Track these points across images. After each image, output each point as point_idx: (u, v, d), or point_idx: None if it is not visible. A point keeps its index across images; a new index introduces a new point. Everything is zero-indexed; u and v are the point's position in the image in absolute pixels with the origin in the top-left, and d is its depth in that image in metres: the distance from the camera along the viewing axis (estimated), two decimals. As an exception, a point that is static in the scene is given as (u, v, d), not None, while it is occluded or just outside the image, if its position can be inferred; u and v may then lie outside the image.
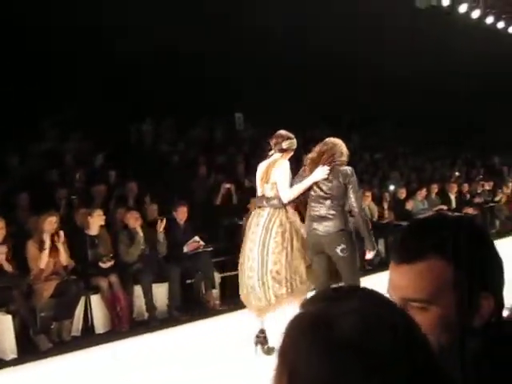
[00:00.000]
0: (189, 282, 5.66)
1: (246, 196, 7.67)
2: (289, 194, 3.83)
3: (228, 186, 7.92)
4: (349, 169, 3.80)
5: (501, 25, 8.65)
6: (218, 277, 5.84)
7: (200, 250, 5.68)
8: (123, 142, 9.29)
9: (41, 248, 4.71)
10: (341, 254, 3.63)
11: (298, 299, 3.55)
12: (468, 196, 10.30)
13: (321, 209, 3.73)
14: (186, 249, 5.63)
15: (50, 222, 4.79)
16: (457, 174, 12.06)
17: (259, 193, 4.05)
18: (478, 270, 0.94)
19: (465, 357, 0.97)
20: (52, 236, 4.77)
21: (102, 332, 4.96)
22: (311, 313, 0.62)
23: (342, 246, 3.63)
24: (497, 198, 10.72)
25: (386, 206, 8.65)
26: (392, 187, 10.04)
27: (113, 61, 9.18)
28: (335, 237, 3.65)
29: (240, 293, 4.11)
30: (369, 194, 8.52)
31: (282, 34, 9.58)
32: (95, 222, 5.15)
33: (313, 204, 3.78)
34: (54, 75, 8.54)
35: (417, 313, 0.96)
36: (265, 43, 9.77)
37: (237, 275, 6.56)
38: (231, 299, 5.64)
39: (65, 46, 8.43)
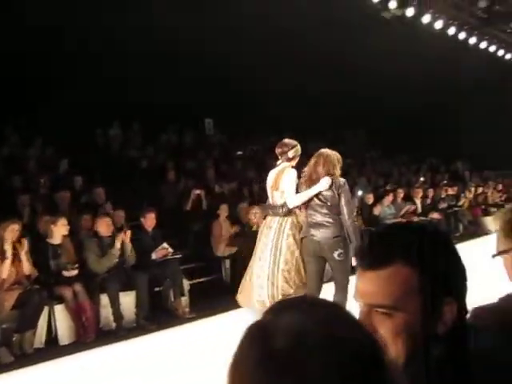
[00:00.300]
0: (157, 289, 5.56)
1: (216, 201, 7.66)
2: (294, 200, 4.10)
3: (198, 191, 7.88)
4: (342, 180, 4.08)
5: (462, 35, 8.97)
6: (186, 284, 5.77)
7: (169, 257, 5.60)
8: (90, 146, 9.11)
9: (2, 257, 4.54)
10: (338, 258, 3.93)
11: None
12: (433, 201, 10.57)
13: (318, 216, 4.01)
14: (154, 256, 5.54)
15: (12, 230, 4.63)
16: (422, 179, 12.37)
17: (269, 200, 4.35)
18: (442, 276, 0.96)
19: (429, 363, 0.98)
20: (14, 244, 4.60)
21: (66, 343, 4.81)
22: (258, 324, 0.65)
23: (340, 250, 3.93)
24: (460, 203, 11.06)
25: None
26: (360, 192, 10.20)
27: (78, 64, 8.99)
28: (333, 242, 3.94)
29: (238, 293, 4.37)
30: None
31: (260, 40, 9.62)
32: (58, 231, 4.99)
33: (310, 211, 4.05)
34: (17, 80, 8.30)
35: (382, 319, 0.97)
36: (238, 47, 9.79)
37: (206, 282, 6.63)
38: (200, 307, 5.60)
39: (22, 50, 8.19)
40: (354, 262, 3.93)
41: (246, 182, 9.57)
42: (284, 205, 4.16)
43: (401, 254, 0.95)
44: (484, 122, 13.54)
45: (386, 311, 0.95)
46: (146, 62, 9.66)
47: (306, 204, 4.07)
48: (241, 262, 6.72)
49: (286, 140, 4.42)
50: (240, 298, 4.35)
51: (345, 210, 3.99)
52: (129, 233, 5.39)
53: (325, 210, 3.99)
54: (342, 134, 14.28)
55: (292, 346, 0.59)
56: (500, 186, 12.76)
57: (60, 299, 4.85)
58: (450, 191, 11.23)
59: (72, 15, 8.44)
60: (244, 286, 4.35)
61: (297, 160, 4.36)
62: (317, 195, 4.02)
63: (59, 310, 4.84)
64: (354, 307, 0.97)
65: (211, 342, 4.18)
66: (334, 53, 10.10)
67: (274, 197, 4.25)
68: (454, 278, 0.99)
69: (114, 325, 5.07)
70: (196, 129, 11.58)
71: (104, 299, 5.08)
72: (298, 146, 4.37)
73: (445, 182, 12.36)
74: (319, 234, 3.97)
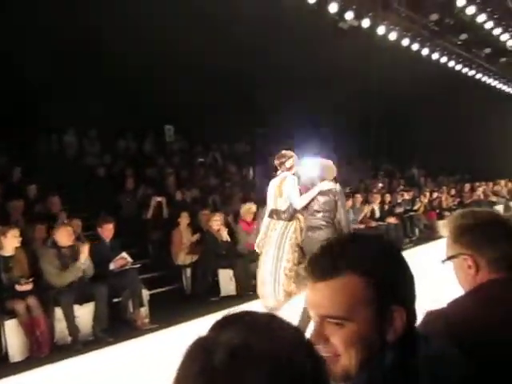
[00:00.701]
0: (115, 300, 5.41)
1: (177, 209, 7.56)
2: (300, 201, 4.54)
3: (159, 199, 7.76)
4: (338, 187, 4.52)
5: (415, 47, 9.32)
6: (146, 294, 5.64)
7: (127, 267, 5.47)
8: (44, 154, 8.80)
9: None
10: None
11: (300, 294, 4.27)
12: (390, 206, 10.87)
13: (316, 220, 4.43)
14: (112, 266, 5.39)
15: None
16: (380, 185, 12.69)
17: (272, 206, 4.75)
18: (391, 285, 0.98)
19: (380, 372, 0.99)
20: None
21: (18, 360, 4.59)
22: (200, 340, 0.66)
23: None
24: (415, 207, 11.42)
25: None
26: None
27: (33, 69, 8.68)
28: None
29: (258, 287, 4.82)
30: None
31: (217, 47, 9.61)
32: (9, 242, 4.77)
33: (309, 216, 4.49)
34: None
35: (334, 329, 0.97)
36: (199, 57, 9.74)
37: (166, 291, 6.54)
38: (161, 317, 5.49)
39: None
40: None
41: (207, 189, 9.52)
42: (286, 210, 4.61)
43: (349, 264, 0.96)
44: (437, 129, 14.10)
45: (337, 321, 0.96)
46: (101, 66, 9.45)
47: (306, 209, 4.49)
48: (202, 270, 6.69)
49: (284, 151, 4.86)
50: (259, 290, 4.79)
51: (342, 216, 4.44)
52: (87, 247, 5.20)
53: (321, 214, 4.41)
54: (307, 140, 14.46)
55: (230, 361, 0.60)
56: (453, 191, 13.29)
57: (12, 313, 4.63)
58: (406, 196, 11.59)
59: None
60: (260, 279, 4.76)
61: (295, 168, 4.77)
62: (315, 201, 4.43)
63: (10, 326, 4.62)
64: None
65: (172, 354, 4.10)
66: (284, 62, 10.24)
67: (278, 203, 4.69)
68: (403, 286, 1.01)
69: (69, 339, 4.88)
70: (156, 136, 11.43)
71: (59, 312, 4.89)
72: (294, 156, 4.79)
73: (401, 187, 12.75)
74: (316, 236, 4.33)
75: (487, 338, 1.25)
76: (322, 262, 1.00)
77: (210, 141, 11.92)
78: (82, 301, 5.03)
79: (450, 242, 1.47)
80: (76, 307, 4.95)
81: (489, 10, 8.10)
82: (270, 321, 0.70)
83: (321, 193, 4.45)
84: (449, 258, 1.46)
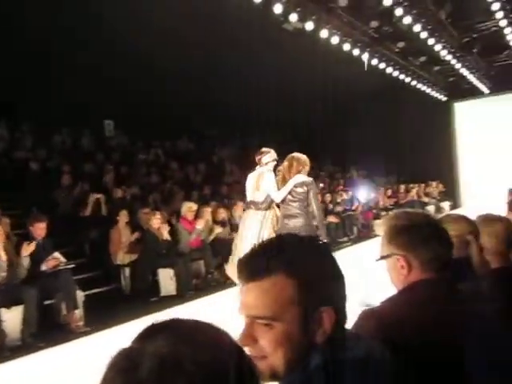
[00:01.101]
0: (48, 303, 5.16)
1: (116, 207, 7.33)
2: (279, 194, 4.95)
3: (97, 196, 7.49)
4: (310, 178, 4.98)
5: (356, 52, 9.62)
6: (81, 295, 5.42)
7: (60, 268, 5.22)
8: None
9: None
10: None
11: None
12: (330, 205, 11.18)
13: (291, 209, 4.89)
14: (44, 267, 5.13)
15: None
16: (321, 185, 13.02)
17: (250, 198, 5.19)
18: (319, 286, 0.99)
19: (308, 373, 1.01)
20: None
21: None
22: (123, 352, 0.63)
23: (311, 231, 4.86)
24: (354, 207, 11.83)
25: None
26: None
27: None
28: (303, 230, 4.64)
29: (232, 277, 5.03)
30: (241, 204, 8.74)
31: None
32: None
33: (285, 205, 4.94)
34: None
35: (263, 330, 0.98)
36: (145, 54, 9.49)
37: (103, 292, 6.32)
38: (97, 319, 5.30)
39: None
40: None
41: (148, 187, 9.31)
42: (264, 201, 5.06)
43: (278, 265, 0.97)
44: (376, 132, 14.68)
45: (266, 322, 0.97)
46: (36, 60, 8.98)
47: (282, 199, 4.94)
48: (141, 269, 6.54)
49: (263, 148, 5.29)
50: (228, 270, 5.29)
51: (313, 203, 4.91)
52: (33, 245, 4.91)
53: (296, 204, 4.88)
54: (250, 141, 14.53)
55: (159, 372, 0.59)
56: (390, 192, 13.89)
57: None
58: (345, 196, 11.97)
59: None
60: (232, 260, 5.20)
61: (273, 164, 5.19)
62: (290, 192, 4.87)
63: None
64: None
65: (108, 357, 3.96)
66: (232, 63, 10.25)
67: (256, 196, 5.13)
68: (332, 287, 1.02)
69: (-5, 344, 4.59)
70: (95, 131, 11.01)
71: (-16, 316, 4.58)
72: (272, 152, 5.22)
73: (341, 187, 13.15)
74: (292, 223, 4.86)
75: (420, 339, 1.28)
76: (252, 262, 1.00)
77: (151, 137, 11.66)
78: (9, 304, 4.75)
79: (385, 242, 1.50)
80: (3, 311, 4.67)
81: (423, 20, 8.52)
82: (196, 327, 0.69)
83: (296, 185, 4.88)
84: (382, 258, 1.49)
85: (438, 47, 9.91)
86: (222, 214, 7.85)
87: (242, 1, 7.14)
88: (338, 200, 11.59)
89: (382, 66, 10.88)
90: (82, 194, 7.81)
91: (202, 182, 10.39)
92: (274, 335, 0.97)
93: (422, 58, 11.86)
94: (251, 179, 5.22)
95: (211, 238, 7.42)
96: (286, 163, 5.01)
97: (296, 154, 5.09)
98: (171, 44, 9.48)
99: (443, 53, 10.28)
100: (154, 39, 9.16)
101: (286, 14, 7.77)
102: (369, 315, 1.37)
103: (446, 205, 14.90)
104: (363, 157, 14.85)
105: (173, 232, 6.99)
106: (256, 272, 0.98)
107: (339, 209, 11.22)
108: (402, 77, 11.97)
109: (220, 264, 7.20)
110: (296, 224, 4.81)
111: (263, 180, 5.07)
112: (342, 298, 1.04)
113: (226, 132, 13.38)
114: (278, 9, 7.54)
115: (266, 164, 5.15)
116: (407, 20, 8.28)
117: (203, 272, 7.13)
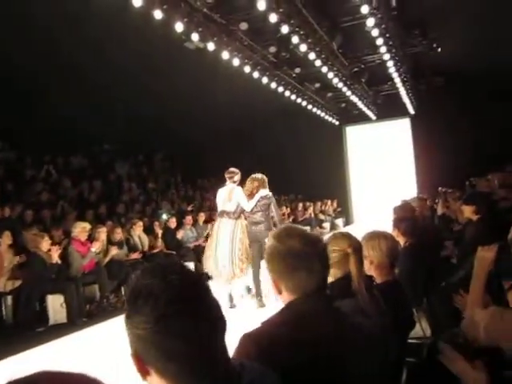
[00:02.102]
0: None
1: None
2: (249, 205, 6.19)
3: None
4: (270, 193, 6.39)
5: (256, 75, 9.94)
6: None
7: None
8: None
9: None
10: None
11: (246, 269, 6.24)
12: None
13: (256, 217, 6.20)
14: None
15: None
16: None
17: (220, 208, 6.38)
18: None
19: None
20: None
21: None
22: None
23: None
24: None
25: (157, 235, 8.71)
26: (164, 216, 10.21)
27: None
28: (265, 234, 5.75)
29: (210, 272, 6.25)
30: (140, 223, 8.45)
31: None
32: None
33: (251, 215, 6.23)
34: None
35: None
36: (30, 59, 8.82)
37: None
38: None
39: None
40: None
41: (37, 205, 8.60)
42: (235, 211, 6.23)
43: None
44: (274, 152, 15.22)
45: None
46: None
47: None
48: (26, 296, 5.96)
49: (232, 169, 6.51)
50: (213, 273, 6.24)
51: (275, 212, 6.36)
52: None
53: (260, 213, 6.19)
54: (150, 157, 14.18)
55: None
56: (288, 210, 14.40)
57: None
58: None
59: None
60: (207, 261, 6.39)
61: (238, 181, 6.44)
62: (256, 203, 6.18)
63: None
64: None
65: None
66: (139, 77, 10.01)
67: (227, 206, 6.30)
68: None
69: None
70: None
71: None
72: (239, 173, 6.51)
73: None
74: (257, 229, 6.17)
75: (296, 358, 1.33)
76: None
77: (42, 152, 10.84)
78: None
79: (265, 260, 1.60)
80: None
81: (317, 49, 9.08)
82: (68, 381, 0.63)
83: (260, 198, 6.19)
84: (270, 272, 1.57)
85: (330, 75, 10.62)
86: (119, 234, 7.50)
87: (143, 16, 7.01)
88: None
89: (281, 89, 11.36)
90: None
91: (97, 200, 9.87)
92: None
93: (317, 84, 12.62)
94: (222, 193, 6.43)
95: (107, 259, 7.04)
96: (251, 182, 6.34)
97: (257, 175, 6.49)
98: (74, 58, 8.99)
99: (335, 80, 11.04)
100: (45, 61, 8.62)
101: (187, 33, 7.79)
102: (247, 339, 1.39)
103: (340, 222, 15.85)
104: (265, 174, 15.29)
105: (64, 255, 6.51)
106: None
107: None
108: (299, 101, 12.60)
109: (117, 287, 6.84)
110: (260, 229, 6.13)
111: (235, 194, 6.25)
112: None
113: (124, 147, 12.91)
114: (179, 27, 7.53)
115: (235, 182, 6.39)
116: (303, 48, 8.76)
117: (98, 297, 6.71)
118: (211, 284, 5.61)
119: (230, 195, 6.31)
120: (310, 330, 1.40)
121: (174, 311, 0.91)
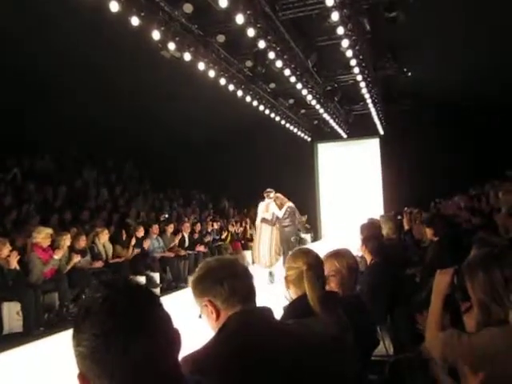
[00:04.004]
0: None
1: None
2: (281, 213, 8.93)
3: None
4: (292, 204, 9.18)
5: (231, 87, 9.98)
6: None
7: None
8: None
9: None
10: (294, 241, 8.92)
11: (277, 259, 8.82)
12: (199, 235, 11.15)
13: (285, 222, 8.93)
14: None
15: None
16: (192, 215, 12.96)
17: (260, 216, 9.10)
18: None
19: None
20: None
21: None
22: None
23: (295, 237, 9.18)
24: (223, 237, 11.99)
25: (129, 244, 8.53)
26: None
27: None
28: (292, 234, 8.98)
29: (254, 259, 9.44)
30: (106, 231, 8.25)
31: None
32: None
33: (281, 220, 8.91)
34: None
35: None
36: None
37: None
38: None
39: None
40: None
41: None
42: (271, 220, 8.95)
43: None
44: (246, 165, 15.27)
45: None
46: None
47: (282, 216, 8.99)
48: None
49: (269, 189, 9.12)
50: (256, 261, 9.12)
51: (297, 217, 9.29)
52: None
53: (288, 220, 8.95)
54: (118, 163, 13.94)
55: None
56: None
57: None
58: (215, 226, 12.08)
59: None
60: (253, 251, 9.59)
61: (274, 197, 9.10)
62: (284, 212, 8.96)
63: None
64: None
65: None
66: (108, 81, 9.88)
67: (266, 215, 9.00)
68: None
69: None
70: None
71: None
72: (273, 191, 9.12)
73: (211, 217, 13.26)
74: (286, 230, 8.89)
75: (232, 372, 1.33)
76: None
77: (6, 154, 10.47)
78: None
79: (194, 298, 1.61)
80: None
81: (293, 66, 9.22)
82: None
83: (287, 208, 8.99)
84: (200, 313, 1.59)
85: (304, 92, 10.77)
86: (83, 241, 7.30)
87: (121, 22, 6.93)
88: (209, 230, 11.65)
89: (255, 103, 11.43)
90: None
91: (62, 205, 9.60)
92: None
93: (291, 100, 12.77)
94: (262, 206, 9.13)
95: (69, 267, 6.82)
96: (280, 200, 9.13)
97: (280, 195, 9.24)
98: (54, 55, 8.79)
99: (309, 97, 11.20)
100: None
101: (164, 41, 7.76)
102: (184, 361, 1.35)
103: (308, 237, 15.94)
104: (232, 188, 15.28)
105: (23, 261, 6.26)
106: None
107: (208, 238, 11.27)
108: (272, 115, 12.70)
109: (77, 296, 6.63)
110: (289, 230, 8.91)
111: (271, 206, 8.94)
112: None
113: (92, 152, 12.65)
114: (156, 35, 7.50)
115: (270, 198, 8.98)
116: (279, 64, 8.86)
117: (57, 305, 6.48)
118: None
119: (268, 207, 8.98)
120: (245, 342, 1.42)
121: (112, 327, 0.89)
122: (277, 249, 8.81)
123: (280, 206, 8.92)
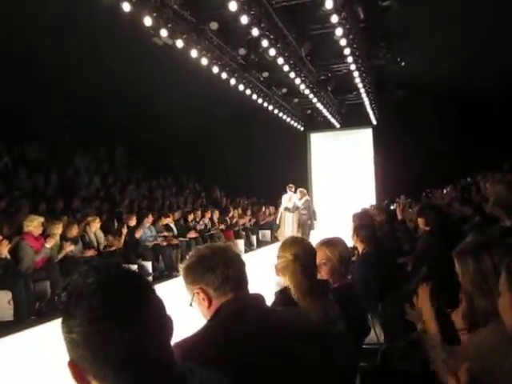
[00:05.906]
0: None
1: None
2: (300, 203, 11.69)
3: None
4: (309, 197, 12.32)
5: (224, 75, 9.91)
6: None
7: None
8: None
9: None
10: (310, 224, 11.94)
11: None
12: (192, 223, 11.14)
13: (303, 212, 11.64)
14: None
15: None
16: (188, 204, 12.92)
17: (284, 205, 11.79)
18: None
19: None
20: None
21: None
22: None
23: (310, 222, 12.00)
24: (216, 225, 11.98)
25: (121, 233, 8.48)
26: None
27: None
28: (307, 220, 11.74)
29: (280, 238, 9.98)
30: (97, 220, 8.20)
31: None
32: None
33: (300, 210, 11.64)
34: None
35: None
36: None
37: None
38: None
39: None
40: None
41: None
42: (292, 208, 11.54)
43: None
44: (238, 154, 15.23)
45: None
46: None
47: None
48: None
49: (291, 184, 11.81)
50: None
51: (311, 209, 12.12)
52: None
53: (305, 210, 11.60)
54: (110, 151, 13.83)
55: None
56: (249, 212, 14.41)
57: None
58: (208, 214, 12.06)
59: None
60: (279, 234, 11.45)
61: (294, 189, 11.84)
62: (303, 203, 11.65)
63: None
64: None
65: None
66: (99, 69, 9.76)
67: (289, 205, 11.60)
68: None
69: None
70: None
71: None
72: (294, 186, 11.79)
73: (204, 205, 13.23)
74: (303, 218, 11.55)
75: (225, 357, 1.33)
76: None
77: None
78: None
79: (185, 285, 1.60)
80: None
81: (286, 55, 9.15)
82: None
83: (306, 199, 11.66)
84: (191, 301, 1.58)
85: (297, 81, 10.72)
86: (74, 230, 7.25)
87: (112, 9, 6.82)
88: (200, 219, 11.63)
89: (248, 92, 11.36)
90: None
91: (53, 194, 9.52)
92: None
93: (284, 90, 12.70)
94: (286, 197, 11.77)
95: (60, 256, 6.79)
96: (302, 192, 11.78)
97: (303, 190, 11.90)
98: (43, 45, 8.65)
99: (302, 86, 11.15)
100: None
101: (156, 28, 7.66)
102: (175, 348, 1.36)
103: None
104: (225, 177, 15.25)
105: (14, 249, 6.21)
106: None
107: (201, 226, 11.25)
108: (265, 104, 12.64)
109: (69, 284, 6.60)
110: (305, 218, 11.51)
111: (293, 198, 11.60)
112: None
113: (84, 140, 12.51)
114: (148, 22, 7.39)
115: (293, 191, 11.65)
116: (272, 52, 8.79)
117: (48, 294, 6.45)
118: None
119: (290, 198, 11.64)
120: (237, 329, 1.43)
121: (107, 312, 0.87)
122: (297, 231, 11.16)
123: (300, 198, 11.63)
